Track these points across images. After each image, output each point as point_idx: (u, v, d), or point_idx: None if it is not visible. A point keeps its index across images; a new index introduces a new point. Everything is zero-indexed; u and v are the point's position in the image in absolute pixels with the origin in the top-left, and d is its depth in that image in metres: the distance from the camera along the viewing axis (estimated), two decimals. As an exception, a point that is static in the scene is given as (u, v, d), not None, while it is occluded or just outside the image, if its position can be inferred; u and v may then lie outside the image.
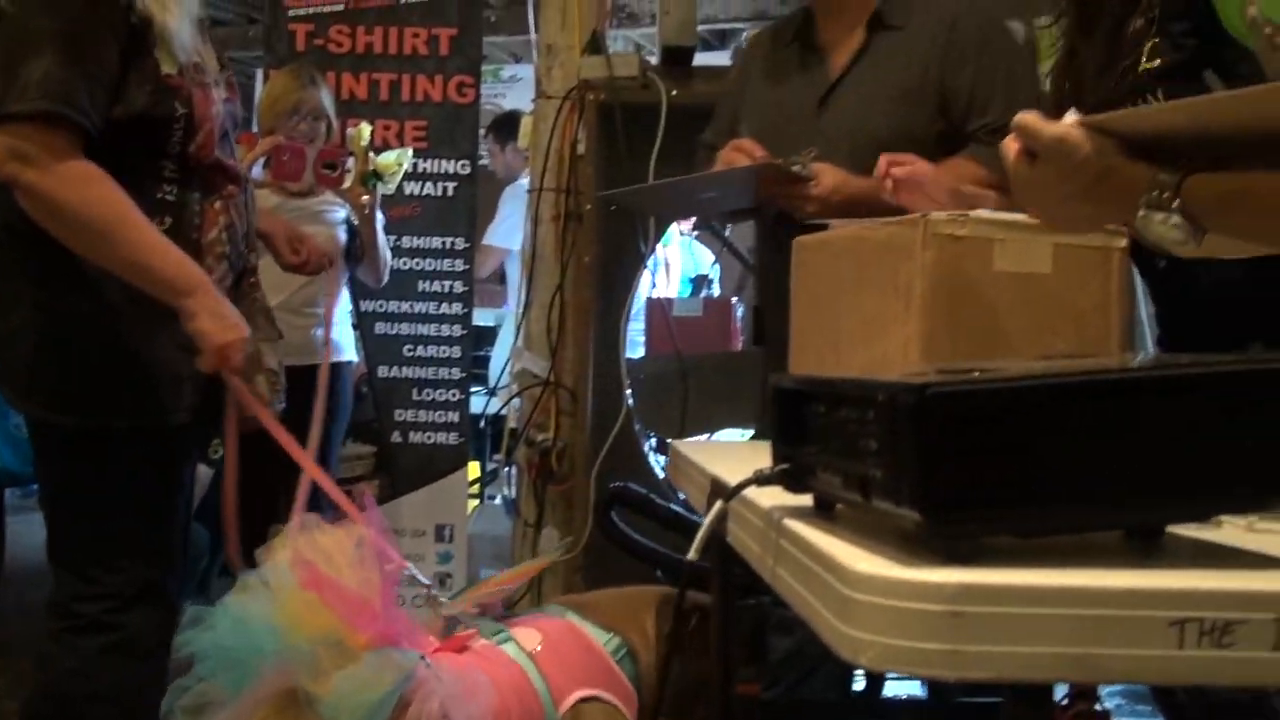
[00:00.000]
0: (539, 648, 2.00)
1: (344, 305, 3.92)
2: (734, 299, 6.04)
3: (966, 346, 1.67)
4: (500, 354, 5.39)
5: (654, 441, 3.92)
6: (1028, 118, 1.36)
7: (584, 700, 2.00)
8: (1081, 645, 0.81)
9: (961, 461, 0.86)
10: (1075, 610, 0.81)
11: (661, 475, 3.73)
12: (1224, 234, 1.42)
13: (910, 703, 3.04)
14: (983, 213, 1.89)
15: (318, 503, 3.57)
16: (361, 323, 4.42)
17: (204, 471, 4.25)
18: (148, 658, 2.12)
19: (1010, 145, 1.42)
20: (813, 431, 1.07)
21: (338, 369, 3.80)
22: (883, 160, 2.13)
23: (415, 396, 4.39)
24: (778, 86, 2.63)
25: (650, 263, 4.08)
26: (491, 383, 5.11)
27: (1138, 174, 1.29)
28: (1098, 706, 3.30)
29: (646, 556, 3.29)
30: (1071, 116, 1.34)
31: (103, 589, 2.11)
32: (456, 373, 4.41)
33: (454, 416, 4.39)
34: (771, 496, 1.17)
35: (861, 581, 0.83)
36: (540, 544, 3.63)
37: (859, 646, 0.82)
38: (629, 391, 3.75)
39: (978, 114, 2.42)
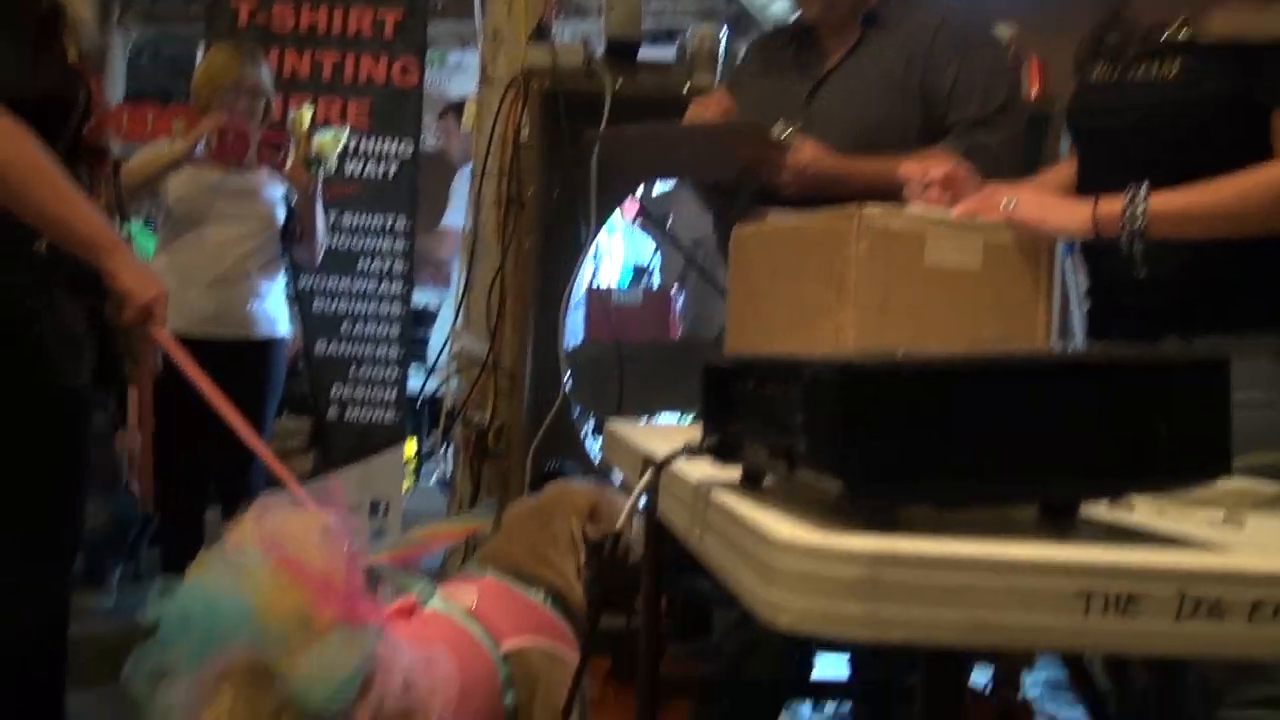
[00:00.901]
0: (476, 604, 2.05)
1: (280, 280, 3.90)
2: (673, 290, 6.08)
3: (897, 337, 1.71)
4: (440, 334, 5.40)
5: (591, 425, 3.95)
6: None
7: (527, 648, 2.05)
8: (993, 612, 0.85)
9: (881, 435, 0.89)
10: (987, 578, 0.85)
11: (597, 458, 3.76)
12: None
13: (839, 683, 3.10)
14: (916, 208, 1.94)
15: (250, 476, 3.58)
16: (299, 298, 4.41)
17: (134, 438, 4.22)
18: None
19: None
20: (742, 407, 1.11)
21: (271, 344, 3.79)
22: (913, 167, 2.12)
23: (353, 373, 4.40)
24: (771, 78, 2.71)
25: (591, 252, 4.10)
26: (430, 362, 5.11)
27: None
28: (1020, 696, 3.39)
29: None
30: None
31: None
32: (395, 351, 4.41)
33: (391, 394, 4.40)
34: (701, 471, 1.21)
35: (783, 546, 0.86)
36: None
37: (778, 608, 0.85)
38: (567, 376, 3.77)
39: (957, 108, 2.50)
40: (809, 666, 3.19)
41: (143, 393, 2.77)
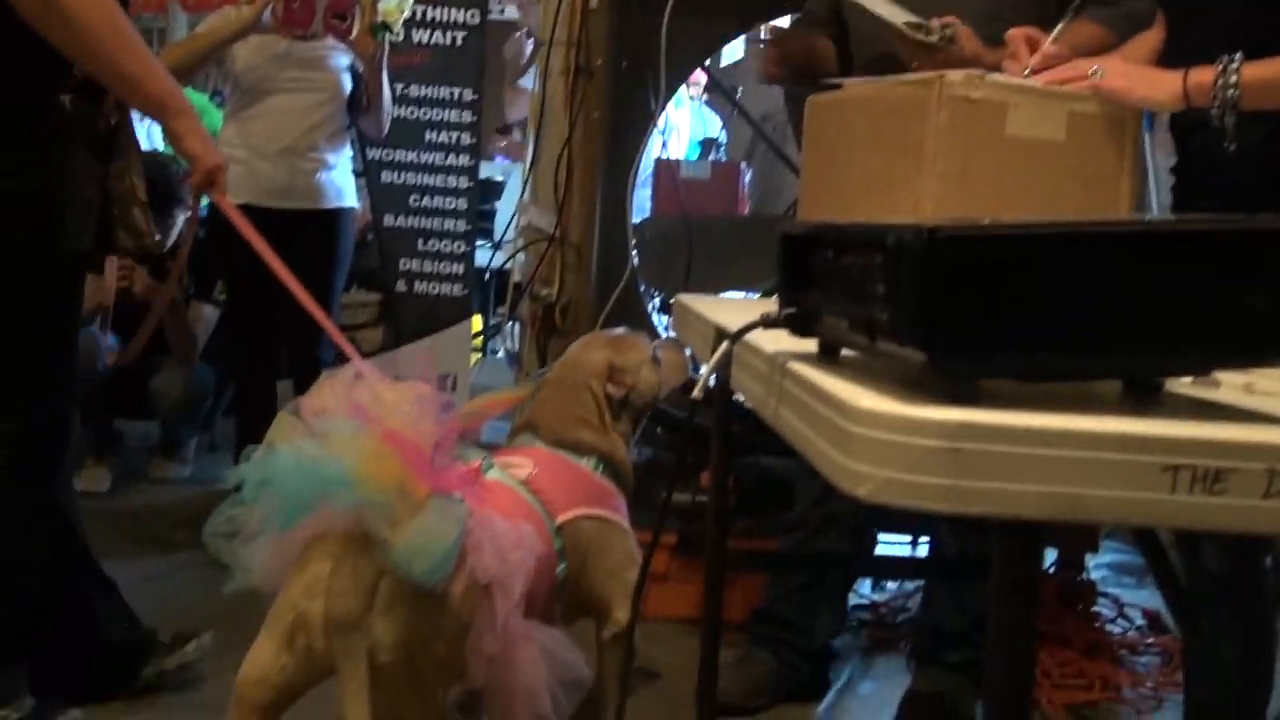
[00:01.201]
0: (531, 475, 2.08)
1: (347, 152, 3.89)
2: (741, 164, 6.00)
3: (976, 208, 1.67)
4: (507, 208, 5.38)
5: (658, 302, 3.94)
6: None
7: (579, 518, 2.08)
8: (1076, 486, 0.83)
9: (966, 304, 0.87)
10: (1072, 452, 0.83)
11: (664, 334, 3.76)
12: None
13: (909, 559, 3.11)
14: (999, 77, 1.88)
15: (320, 349, 3.62)
16: (367, 171, 4.40)
17: (209, 312, 4.29)
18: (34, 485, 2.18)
19: None
20: (820, 278, 1.08)
21: (339, 215, 3.79)
22: (1016, 34, 2.03)
23: (420, 247, 4.40)
24: None
25: (660, 123, 4.03)
26: (497, 236, 5.10)
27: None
28: (1083, 576, 3.38)
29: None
30: None
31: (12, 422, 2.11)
32: (462, 225, 4.40)
33: (458, 268, 4.40)
34: (775, 342, 1.19)
35: (864, 417, 0.85)
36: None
37: (858, 478, 0.84)
38: (634, 250, 3.75)
39: None
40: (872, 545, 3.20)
41: (179, 262, 3.08)
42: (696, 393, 1.18)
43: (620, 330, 2.36)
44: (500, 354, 5.70)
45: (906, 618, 3.17)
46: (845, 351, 1.11)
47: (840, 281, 1.01)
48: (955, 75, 1.72)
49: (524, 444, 2.19)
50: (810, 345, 1.14)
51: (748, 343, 1.27)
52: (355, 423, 1.71)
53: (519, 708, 1.83)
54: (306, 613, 1.70)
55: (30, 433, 2.13)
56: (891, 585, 3.48)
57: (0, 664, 2.17)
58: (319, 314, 2.31)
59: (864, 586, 3.44)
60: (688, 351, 2.29)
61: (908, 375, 0.96)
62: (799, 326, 1.09)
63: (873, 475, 0.83)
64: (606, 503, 2.14)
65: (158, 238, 3.90)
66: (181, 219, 4.20)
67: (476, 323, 5.08)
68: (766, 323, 1.10)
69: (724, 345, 1.16)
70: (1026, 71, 1.90)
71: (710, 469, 2.04)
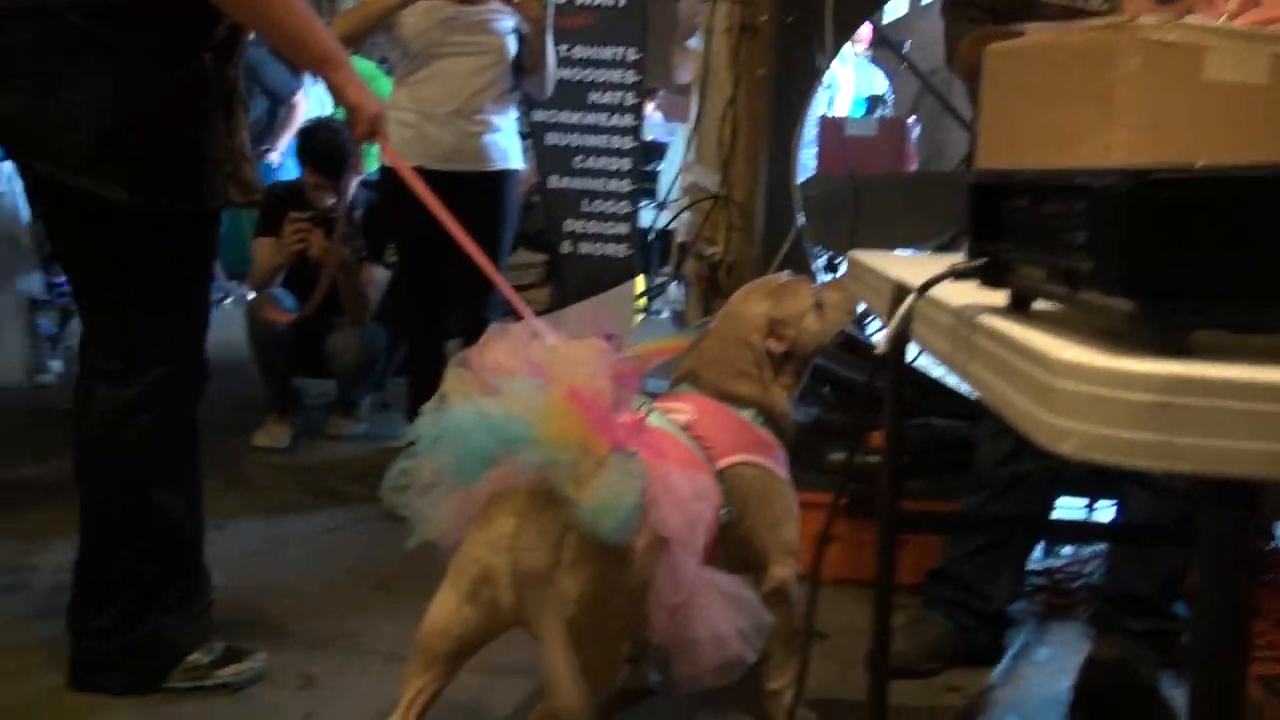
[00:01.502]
0: (692, 420, 2.08)
1: (512, 114, 3.93)
2: (909, 119, 5.87)
3: (1168, 159, 1.59)
4: (670, 168, 5.36)
5: (823, 261, 3.89)
6: None
7: (740, 465, 2.07)
8: (1296, 443, 0.78)
9: (1178, 252, 0.83)
10: (1292, 407, 0.78)
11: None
12: None
13: (1099, 525, 3.01)
14: (1194, 18, 1.78)
15: (489, 308, 3.67)
16: (532, 133, 4.43)
17: (381, 274, 4.39)
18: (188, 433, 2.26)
19: None
20: (1012, 227, 1.05)
21: (505, 177, 3.84)
22: None
23: (585, 207, 4.43)
24: None
25: (825, 79, 3.96)
26: (661, 195, 5.09)
27: None
28: (1272, 544, 3.23)
29: (813, 370, 3.30)
30: None
31: (152, 372, 2.16)
32: (626, 185, 4.41)
33: (623, 229, 4.42)
34: (960, 296, 1.15)
35: (1067, 369, 0.81)
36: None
37: (1060, 434, 0.81)
38: (799, 209, 3.70)
39: None
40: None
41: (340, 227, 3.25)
42: (881, 348, 1.15)
43: (784, 275, 2.33)
44: (664, 314, 5.70)
45: (1083, 583, 3.08)
46: (1037, 304, 1.07)
47: (1036, 230, 0.98)
48: (1147, 18, 1.64)
49: (684, 393, 2.20)
50: (997, 299, 1.10)
51: (931, 297, 1.23)
52: (535, 381, 1.73)
53: (706, 656, 1.84)
54: (492, 567, 1.73)
55: (178, 374, 2.20)
56: (1067, 550, 3.38)
57: (179, 601, 2.25)
58: (489, 267, 2.35)
59: (1036, 551, 3.36)
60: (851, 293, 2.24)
61: (1109, 327, 0.92)
62: (991, 277, 1.05)
63: (1077, 431, 0.80)
64: (767, 453, 2.13)
65: (332, 201, 4.02)
66: (354, 182, 4.30)
67: (640, 283, 5.10)
68: (958, 273, 1.06)
69: (909, 299, 1.12)
70: (1223, 17, 1.80)
71: (882, 428, 2.01)
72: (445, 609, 1.78)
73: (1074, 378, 0.81)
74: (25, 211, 4.68)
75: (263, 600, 2.80)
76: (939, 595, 2.63)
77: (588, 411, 1.69)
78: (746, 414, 2.15)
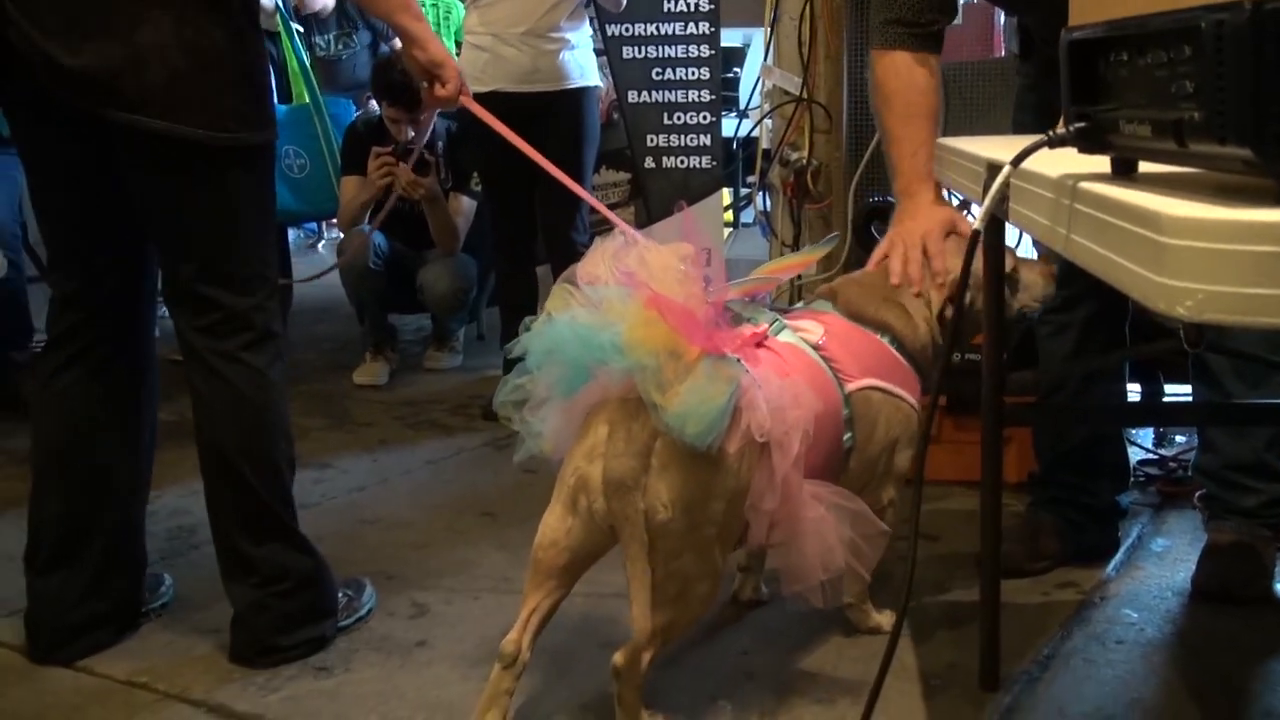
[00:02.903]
0: (823, 340, 2.03)
1: (586, 30, 3.86)
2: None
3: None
4: (750, 73, 5.24)
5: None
6: None
7: (869, 389, 2.03)
8: None
9: (1301, 90, 0.76)
10: None
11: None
12: None
13: (1189, 404, 2.90)
14: None
15: (576, 231, 3.65)
16: (608, 48, 4.35)
17: (468, 204, 4.38)
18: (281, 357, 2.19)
19: None
20: (1112, 85, 0.97)
21: (583, 94, 3.78)
22: None
23: (666, 121, 4.34)
24: None
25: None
26: (743, 103, 4.98)
27: None
28: None
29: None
30: None
31: (255, 299, 2.12)
32: (707, 95, 4.31)
33: (706, 140, 4.33)
34: (1058, 166, 1.09)
35: (1180, 226, 0.76)
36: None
37: (1177, 295, 0.75)
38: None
39: None
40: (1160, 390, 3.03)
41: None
42: (978, 224, 1.09)
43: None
44: (753, 224, 5.62)
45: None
46: (1142, 168, 1.01)
47: (1139, 84, 0.91)
48: None
49: (819, 310, 2.15)
50: (1099, 165, 1.04)
51: (1027, 171, 1.17)
52: (625, 289, 1.71)
53: (811, 565, 1.82)
54: (586, 476, 1.73)
55: (269, 305, 2.16)
56: (1180, 439, 3.29)
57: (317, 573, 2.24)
58: (575, 186, 2.31)
59: (1147, 439, 3.27)
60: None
61: (1223, 183, 0.85)
62: (1091, 142, 0.99)
63: (1194, 291, 0.74)
64: (898, 378, 2.07)
65: (412, 135, 4.00)
66: (434, 114, 4.28)
67: (727, 195, 5.02)
68: (1053, 142, 1.00)
69: (1004, 170, 1.06)
70: None
71: (985, 319, 1.95)
72: (552, 521, 1.79)
73: (1188, 235, 0.75)
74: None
75: (371, 534, 2.83)
76: (1044, 495, 2.57)
77: (673, 317, 1.67)
78: (881, 337, 2.10)
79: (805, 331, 2.04)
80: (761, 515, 1.77)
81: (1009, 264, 2.12)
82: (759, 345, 1.93)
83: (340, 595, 2.28)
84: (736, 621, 2.26)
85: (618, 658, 1.76)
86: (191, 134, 1.98)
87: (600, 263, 1.77)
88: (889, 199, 3.34)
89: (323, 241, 7.80)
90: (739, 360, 1.75)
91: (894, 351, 2.08)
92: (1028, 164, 1.17)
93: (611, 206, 4.29)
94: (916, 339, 2.10)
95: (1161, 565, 2.51)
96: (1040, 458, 2.61)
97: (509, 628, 1.79)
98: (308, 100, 4.65)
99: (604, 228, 3.83)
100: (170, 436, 3.20)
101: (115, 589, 2.21)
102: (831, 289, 2.18)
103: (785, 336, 2.00)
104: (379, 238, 4.29)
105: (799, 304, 2.29)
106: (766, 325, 1.99)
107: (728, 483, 1.73)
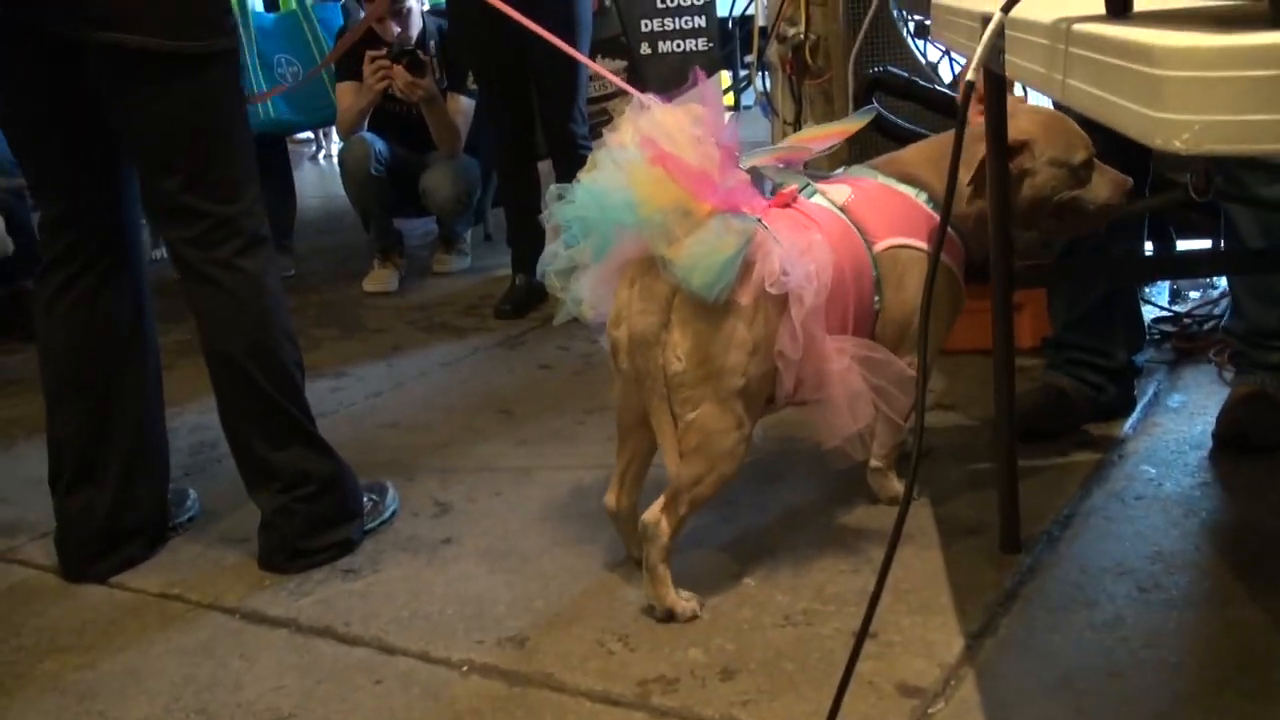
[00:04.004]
0: (850, 199, 2.05)
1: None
2: None
3: None
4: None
5: (912, 27, 3.70)
6: None
7: (897, 247, 2.03)
8: None
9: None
10: None
11: (923, 60, 3.55)
12: None
13: (1206, 252, 2.87)
14: None
15: (574, 122, 3.60)
16: (596, -68, 4.26)
17: (466, 103, 4.33)
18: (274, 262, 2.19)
19: None
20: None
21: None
22: None
23: (659, 4, 4.27)
24: None
25: None
26: (736, -19, 4.88)
27: None
28: None
29: (911, 138, 3.18)
30: None
31: (243, 204, 2.10)
32: (700, -26, 4.25)
33: (700, 21, 4.26)
34: (1051, 12, 1.07)
35: (1175, 56, 0.74)
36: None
37: (1175, 129, 0.73)
38: (882, -26, 3.51)
39: None
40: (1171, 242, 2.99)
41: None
42: (970, 74, 1.07)
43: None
44: (754, 104, 5.55)
45: (1213, 325, 2.97)
46: (1139, 4, 0.98)
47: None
48: None
49: (855, 175, 2.16)
50: (1094, 6, 1.01)
51: (1021, 20, 1.15)
52: (637, 151, 1.74)
53: (842, 416, 1.86)
54: (616, 338, 1.83)
55: (257, 209, 2.14)
56: (1194, 295, 3.27)
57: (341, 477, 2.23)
58: (574, 53, 2.31)
59: (1162, 297, 3.25)
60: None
61: (1222, 16, 0.83)
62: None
63: (1191, 121, 0.73)
64: (927, 236, 2.05)
65: (399, 31, 3.92)
66: (415, 8, 4.20)
67: (725, 78, 4.95)
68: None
69: (995, 17, 1.04)
70: None
71: (988, 181, 1.92)
72: (616, 384, 1.92)
73: (1182, 65, 0.73)
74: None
75: (391, 436, 2.85)
76: (1059, 358, 2.56)
77: (682, 175, 1.70)
78: (918, 195, 2.09)
79: (832, 194, 2.06)
80: (787, 367, 1.82)
81: (1082, 154, 2.05)
82: (786, 206, 1.97)
83: (365, 499, 2.30)
84: (760, 503, 2.28)
85: (647, 515, 1.83)
86: (164, 46, 1.94)
87: (627, 129, 1.80)
88: (889, 68, 3.29)
89: (323, 152, 7.74)
90: (759, 219, 1.79)
91: (929, 210, 2.07)
92: (1022, 12, 1.14)
93: (608, 96, 4.24)
94: (958, 211, 2.07)
95: (1178, 420, 2.51)
96: (1055, 321, 2.60)
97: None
98: (294, 6, 4.58)
99: (602, 119, 3.79)
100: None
101: (140, 503, 2.24)
102: (893, 155, 2.18)
103: (814, 199, 2.05)
104: (379, 143, 4.25)
105: (840, 169, 2.27)
106: (794, 187, 2.03)
107: (742, 333, 1.78)
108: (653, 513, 1.82)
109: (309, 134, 7.58)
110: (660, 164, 1.69)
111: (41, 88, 2.03)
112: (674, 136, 1.73)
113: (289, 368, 2.15)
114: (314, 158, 7.84)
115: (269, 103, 4.44)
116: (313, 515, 2.17)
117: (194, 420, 2.99)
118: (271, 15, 4.59)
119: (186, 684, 1.81)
